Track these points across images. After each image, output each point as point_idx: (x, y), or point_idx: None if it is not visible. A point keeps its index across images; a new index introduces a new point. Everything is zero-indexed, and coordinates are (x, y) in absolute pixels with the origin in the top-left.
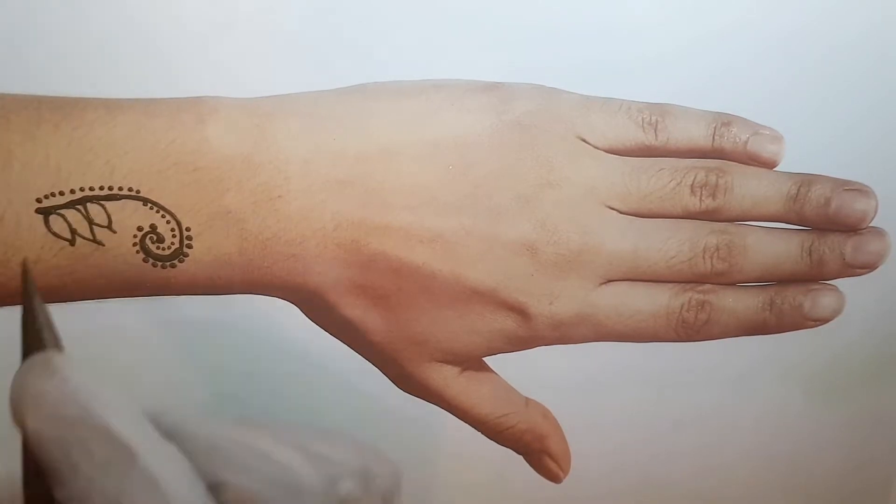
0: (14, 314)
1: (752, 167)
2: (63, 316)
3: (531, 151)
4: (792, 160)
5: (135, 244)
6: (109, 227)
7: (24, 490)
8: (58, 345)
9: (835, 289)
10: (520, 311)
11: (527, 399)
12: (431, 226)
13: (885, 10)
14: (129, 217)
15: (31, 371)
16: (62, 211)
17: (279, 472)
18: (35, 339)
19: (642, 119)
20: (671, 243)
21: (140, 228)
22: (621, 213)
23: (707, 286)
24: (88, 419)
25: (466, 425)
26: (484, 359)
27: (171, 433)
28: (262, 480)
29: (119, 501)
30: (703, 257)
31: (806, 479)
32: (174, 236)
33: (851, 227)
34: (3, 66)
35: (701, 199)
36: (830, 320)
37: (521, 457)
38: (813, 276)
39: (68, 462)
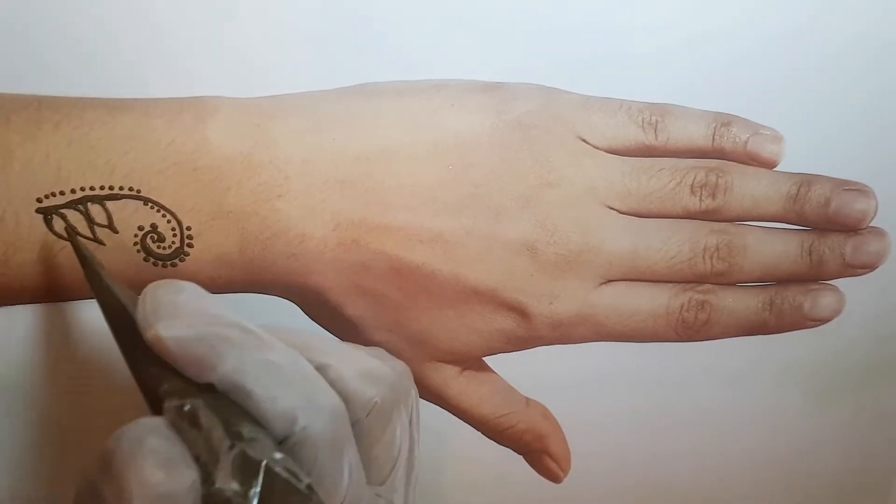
0: (15, 314)
1: (751, 167)
2: (63, 316)
3: (531, 151)
4: (792, 160)
5: (135, 243)
6: (110, 226)
7: (149, 396)
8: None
9: (835, 289)
10: (520, 311)
11: (527, 399)
12: (431, 226)
13: (885, 10)
14: (130, 216)
15: (161, 288)
16: (63, 210)
17: (366, 361)
18: (124, 288)
19: (642, 119)
20: (671, 243)
21: (141, 228)
22: (621, 212)
23: (707, 286)
24: (224, 320)
25: (466, 425)
26: (484, 359)
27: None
28: (351, 364)
29: (265, 378)
30: (703, 257)
31: (805, 479)
32: (175, 235)
33: (851, 227)
34: (3, 65)
35: (701, 198)
36: (830, 320)
37: (521, 457)
38: (813, 276)
39: (215, 353)
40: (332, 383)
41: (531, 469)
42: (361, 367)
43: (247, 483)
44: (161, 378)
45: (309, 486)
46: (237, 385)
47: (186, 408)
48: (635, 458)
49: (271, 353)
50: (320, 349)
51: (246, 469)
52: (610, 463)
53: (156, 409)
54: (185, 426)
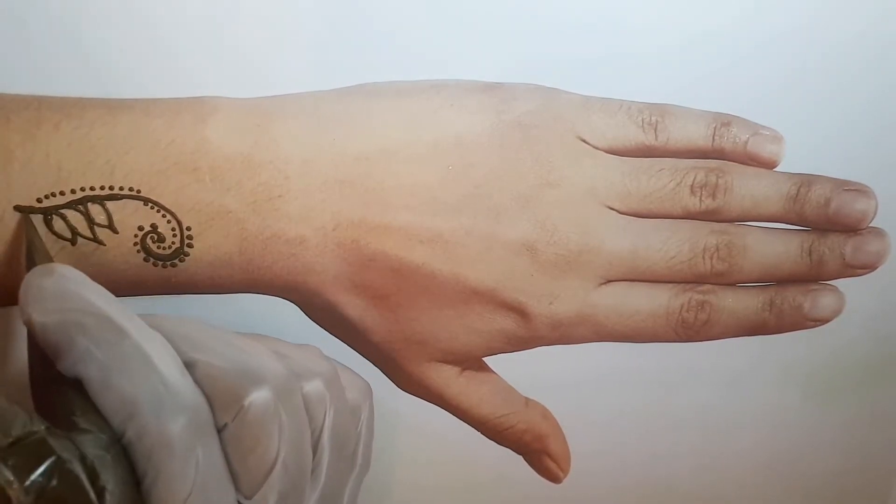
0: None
1: (751, 167)
2: None
3: (531, 151)
4: (792, 160)
5: (135, 243)
6: (110, 226)
7: (30, 374)
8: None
9: (835, 289)
10: (519, 312)
11: (527, 399)
12: (431, 226)
13: (885, 10)
14: (130, 216)
15: (35, 273)
16: (63, 211)
17: (245, 357)
18: (40, 256)
19: (642, 119)
20: (671, 243)
21: (141, 228)
22: (621, 213)
23: (707, 286)
24: (83, 305)
25: (466, 425)
26: (484, 359)
27: (150, 324)
28: (229, 362)
29: (111, 366)
30: (703, 257)
31: (805, 479)
32: (175, 236)
33: (851, 228)
34: (3, 65)
35: (701, 199)
36: (830, 320)
37: (520, 457)
38: (813, 276)
39: (67, 338)
40: (198, 380)
41: (531, 469)
42: (244, 365)
43: (24, 471)
44: (38, 364)
45: (101, 494)
46: (79, 374)
47: None
48: (635, 458)
49: (125, 340)
50: (197, 343)
51: (32, 457)
52: (610, 463)
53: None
54: None
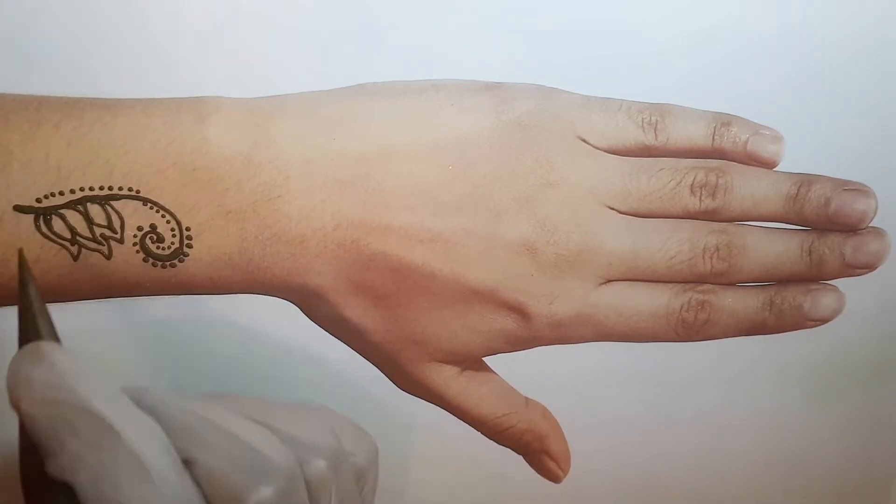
0: (15, 313)
1: (751, 167)
2: (62, 315)
3: (531, 151)
4: (792, 160)
5: (135, 244)
6: (109, 226)
7: (21, 464)
8: (52, 333)
9: (835, 289)
10: (519, 311)
11: (526, 399)
12: (431, 226)
13: (885, 10)
14: (129, 217)
15: (22, 358)
16: (62, 211)
17: (247, 453)
18: (30, 327)
19: (642, 119)
20: (671, 243)
21: (140, 228)
22: (621, 213)
23: (707, 286)
24: (74, 401)
25: (466, 425)
26: (484, 359)
27: (149, 410)
28: (230, 459)
29: (103, 475)
30: (703, 257)
31: (805, 479)
32: (174, 236)
33: (851, 227)
34: (3, 65)
35: (701, 199)
36: (830, 320)
37: (520, 457)
38: (813, 276)
39: (57, 439)
40: (198, 481)
41: (531, 469)
42: (248, 461)
43: None
44: (29, 452)
45: None
46: (70, 480)
47: None
48: (635, 458)
49: (117, 445)
50: (198, 438)
51: None
52: (610, 463)
53: None
54: None
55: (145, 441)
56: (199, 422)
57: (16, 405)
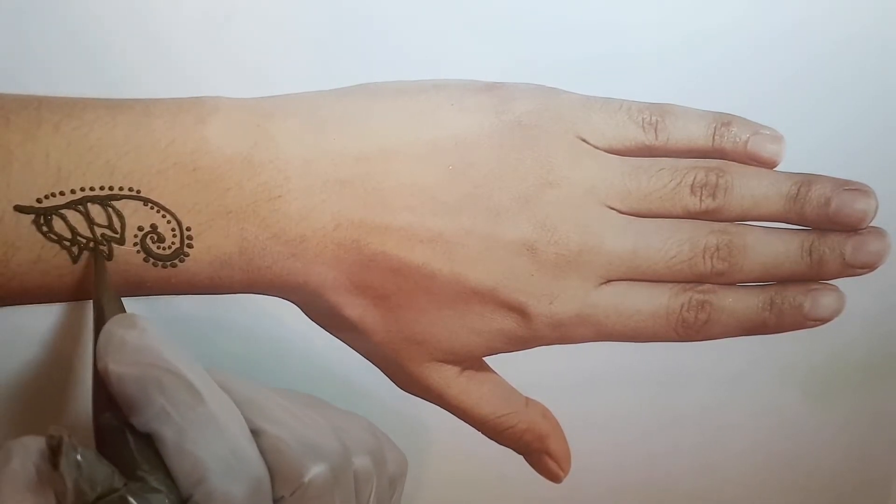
0: (15, 313)
1: (752, 167)
2: (62, 315)
3: (531, 151)
4: (792, 160)
5: (135, 244)
6: (110, 226)
7: (94, 421)
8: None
9: (835, 289)
10: (520, 311)
11: (527, 399)
12: (431, 226)
13: (885, 10)
14: (130, 217)
15: (118, 324)
16: (63, 211)
17: (309, 430)
18: (113, 304)
19: (642, 119)
20: (671, 243)
21: (140, 228)
22: (621, 212)
23: (707, 286)
24: (163, 364)
25: (466, 425)
26: (484, 359)
27: (220, 385)
28: (293, 434)
29: (187, 430)
30: (703, 257)
31: (804, 479)
32: (175, 236)
33: (851, 227)
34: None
35: (701, 198)
36: (830, 320)
37: (521, 457)
38: (813, 275)
39: (146, 396)
40: (263, 451)
41: (531, 469)
42: (306, 439)
43: None
44: (105, 408)
45: None
46: (153, 432)
47: (76, 456)
48: (635, 457)
49: (200, 406)
50: (264, 411)
51: None
52: (610, 463)
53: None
54: (72, 460)
55: (221, 406)
56: (265, 398)
57: (103, 363)
